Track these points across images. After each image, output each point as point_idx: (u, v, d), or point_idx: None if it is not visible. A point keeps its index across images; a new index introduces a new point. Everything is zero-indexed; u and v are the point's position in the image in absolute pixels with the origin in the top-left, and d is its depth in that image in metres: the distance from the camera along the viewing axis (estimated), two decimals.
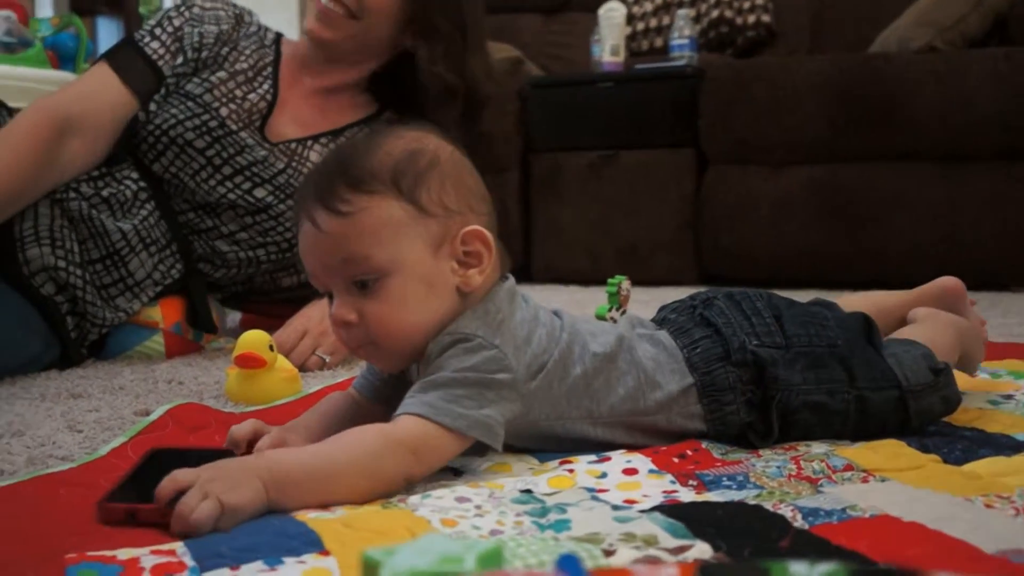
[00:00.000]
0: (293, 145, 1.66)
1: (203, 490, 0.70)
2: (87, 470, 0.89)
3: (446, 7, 1.66)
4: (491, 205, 0.90)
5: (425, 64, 1.66)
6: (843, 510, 0.72)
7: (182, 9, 1.71)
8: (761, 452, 0.90)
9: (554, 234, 3.15)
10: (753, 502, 0.76)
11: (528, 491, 0.79)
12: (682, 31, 3.23)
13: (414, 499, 0.76)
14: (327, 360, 1.50)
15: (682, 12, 3.31)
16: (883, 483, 0.80)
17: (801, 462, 0.85)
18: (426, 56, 1.66)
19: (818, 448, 0.90)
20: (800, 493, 0.78)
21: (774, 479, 0.82)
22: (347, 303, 0.86)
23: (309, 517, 0.71)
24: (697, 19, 3.52)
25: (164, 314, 1.60)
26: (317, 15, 1.63)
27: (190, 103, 1.61)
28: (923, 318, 1.12)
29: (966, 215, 2.67)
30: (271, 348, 1.26)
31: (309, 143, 1.67)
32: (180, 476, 0.71)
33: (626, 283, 1.76)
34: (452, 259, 0.86)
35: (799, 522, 0.71)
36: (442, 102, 1.65)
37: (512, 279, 0.92)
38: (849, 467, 0.84)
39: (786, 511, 0.73)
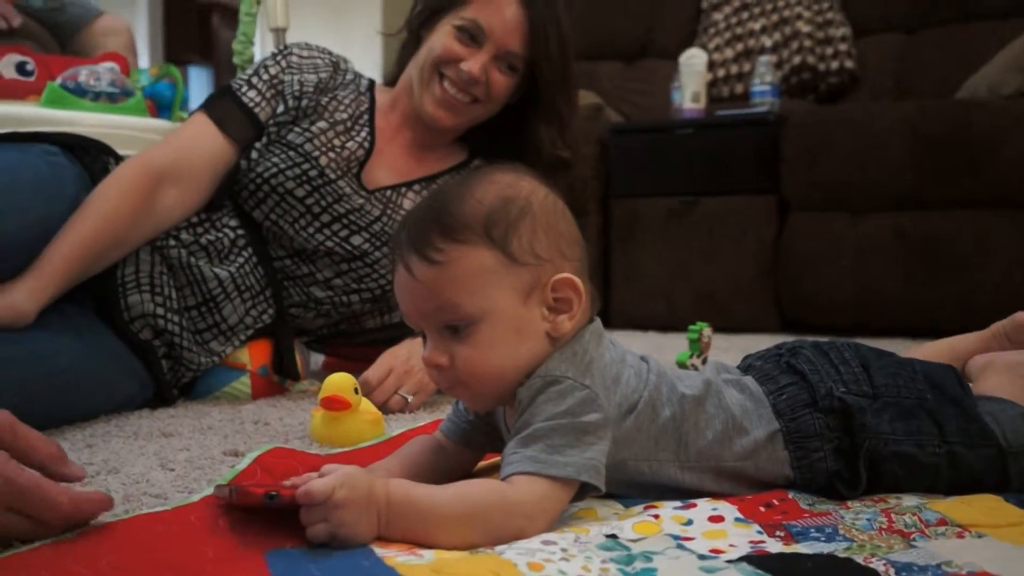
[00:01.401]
0: (388, 192, 1.70)
1: (327, 514, 0.75)
2: (180, 512, 0.91)
3: (564, 88, 1.69)
4: (583, 248, 0.91)
5: (548, 146, 1.69)
6: (938, 566, 0.71)
7: (279, 58, 1.76)
8: (850, 504, 0.88)
9: (633, 280, 3.15)
10: (843, 555, 0.74)
11: (613, 536, 0.79)
12: (763, 77, 3.23)
13: (501, 545, 0.76)
14: (410, 400, 1.51)
15: (763, 59, 3.30)
16: (979, 539, 0.78)
17: (892, 515, 0.83)
18: (548, 139, 1.70)
19: (909, 501, 0.88)
20: (892, 547, 0.76)
21: (864, 532, 0.80)
22: (439, 347, 0.87)
23: (398, 562, 0.72)
24: (779, 65, 3.51)
25: (252, 356, 1.64)
26: (438, 101, 1.66)
27: (291, 152, 1.66)
28: (988, 367, 1.10)
29: None
30: (356, 391, 1.28)
31: (403, 190, 1.71)
32: (319, 486, 0.75)
33: (707, 330, 1.75)
34: (542, 306, 0.87)
35: None
36: (553, 173, 1.67)
37: (598, 320, 0.92)
38: (943, 521, 0.82)
39: (878, 565, 0.71)
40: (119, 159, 1.64)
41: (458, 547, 0.76)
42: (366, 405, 1.31)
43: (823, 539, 0.79)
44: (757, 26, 3.64)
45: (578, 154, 1.74)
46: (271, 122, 1.72)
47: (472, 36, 1.63)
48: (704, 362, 1.78)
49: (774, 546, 0.78)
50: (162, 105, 2.34)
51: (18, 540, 0.78)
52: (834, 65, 3.50)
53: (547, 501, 0.80)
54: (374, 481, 0.77)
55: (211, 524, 0.83)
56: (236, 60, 2.32)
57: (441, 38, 1.65)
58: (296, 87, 1.73)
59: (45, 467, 0.82)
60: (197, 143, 1.66)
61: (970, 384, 1.06)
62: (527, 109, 1.72)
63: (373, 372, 1.51)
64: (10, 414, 0.83)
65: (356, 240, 1.64)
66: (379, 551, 0.75)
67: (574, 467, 0.81)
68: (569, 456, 0.81)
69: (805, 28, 3.53)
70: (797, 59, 3.52)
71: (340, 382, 1.27)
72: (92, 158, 1.59)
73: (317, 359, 2.01)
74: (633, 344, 2.61)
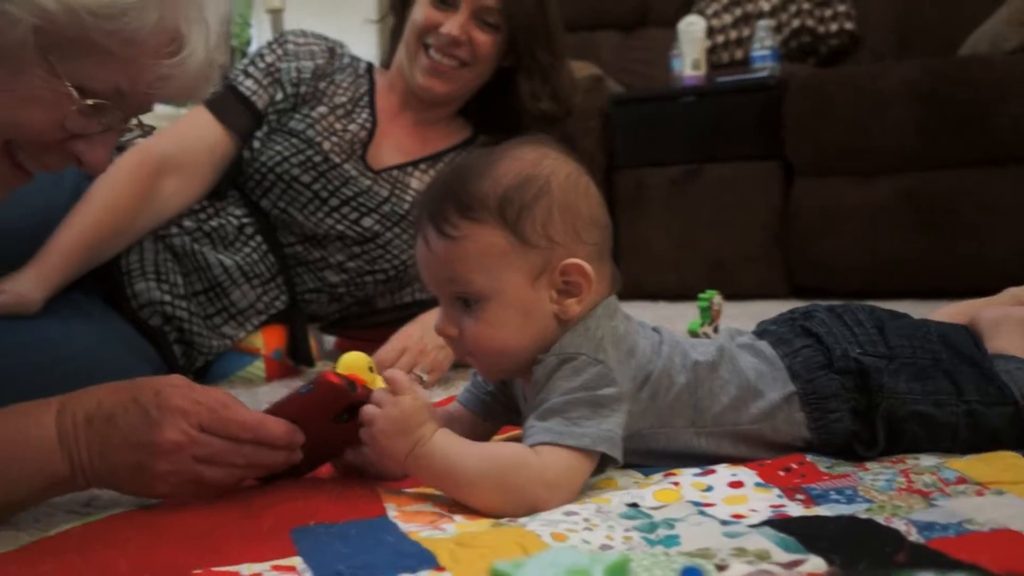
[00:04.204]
0: (395, 172, 1.70)
1: (380, 422, 0.81)
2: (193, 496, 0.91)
3: (544, 39, 1.69)
4: (604, 229, 0.90)
5: (528, 98, 1.70)
6: (959, 524, 0.71)
7: (274, 46, 1.77)
8: (868, 465, 0.89)
9: (640, 250, 3.14)
10: (864, 516, 0.75)
11: (635, 504, 0.79)
12: (763, 42, 3.21)
13: (522, 515, 0.77)
14: (425, 378, 1.51)
15: (763, 23, 3.28)
16: (999, 496, 0.78)
17: (911, 475, 0.84)
18: (528, 90, 1.70)
19: (928, 461, 0.89)
20: (912, 507, 0.76)
21: (884, 492, 0.81)
22: (451, 317, 0.89)
23: (422, 536, 0.73)
24: (778, 29, 3.49)
25: (265, 341, 1.65)
26: (427, 70, 1.67)
27: (294, 139, 1.66)
28: (1002, 323, 1.10)
29: None
30: (371, 369, 1.28)
31: (409, 169, 1.71)
32: (403, 377, 0.84)
33: (718, 298, 1.75)
34: (551, 288, 0.87)
35: (914, 536, 0.69)
36: (542, 128, 1.67)
37: (613, 295, 0.93)
38: (962, 480, 0.82)
39: (899, 525, 0.71)
40: (120, 148, 1.64)
41: (476, 505, 0.80)
42: (381, 383, 1.31)
43: (843, 501, 0.79)
44: None
45: (567, 107, 1.74)
46: (270, 110, 1.72)
47: (447, 0, 1.64)
48: (716, 330, 1.78)
49: (795, 509, 0.78)
50: None
51: (210, 466, 0.83)
52: (834, 27, 3.47)
53: (568, 471, 0.81)
54: (430, 420, 0.82)
55: (237, 505, 0.84)
56: (233, 42, 2.31)
57: (419, 9, 1.67)
58: (294, 74, 1.73)
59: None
60: (196, 133, 1.67)
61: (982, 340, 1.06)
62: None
63: (386, 352, 1.52)
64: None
65: (366, 222, 1.64)
66: (403, 525, 0.76)
67: (591, 438, 0.82)
68: (586, 427, 0.82)
69: None
70: (796, 22, 3.50)
71: (355, 361, 1.26)
72: None
73: (328, 340, 2.02)
74: (643, 314, 2.59)
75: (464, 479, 0.81)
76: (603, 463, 0.84)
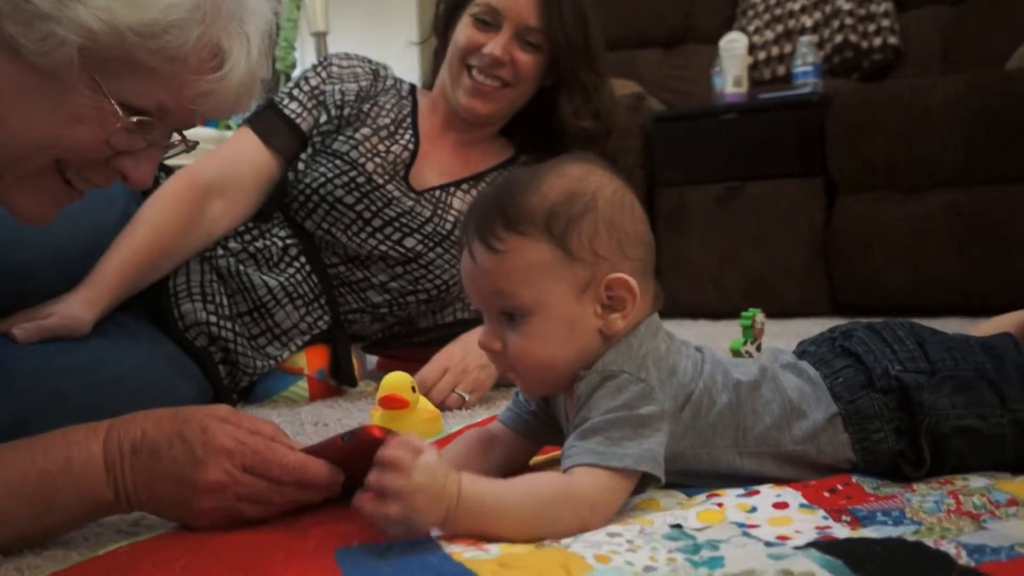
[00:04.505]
0: (437, 192, 1.72)
1: (404, 495, 0.74)
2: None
3: (586, 58, 1.70)
4: (648, 246, 0.90)
5: (570, 117, 1.71)
6: (1011, 547, 0.70)
7: (319, 69, 1.80)
8: (915, 487, 0.87)
9: (681, 268, 3.13)
10: (912, 538, 0.73)
11: (678, 526, 0.79)
12: (805, 58, 3.19)
13: (566, 537, 0.77)
14: (467, 398, 1.52)
15: (804, 39, 3.27)
16: None
17: (960, 496, 0.82)
18: (570, 109, 1.71)
19: (977, 482, 0.87)
20: (962, 529, 0.75)
21: (932, 514, 0.79)
22: (494, 332, 0.89)
23: (466, 557, 0.73)
24: (820, 45, 3.47)
25: (309, 361, 1.66)
26: (470, 91, 1.69)
27: (337, 161, 1.68)
28: None
29: None
30: (413, 389, 1.29)
31: (451, 189, 1.73)
32: (416, 441, 0.77)
33: (760, 316, 1.74)
34: (596, 303, 0.87)
35: (964, 559, 0.68)
36: (583, 147, 1.67)
37: (655, 313, 0.93)
38: (1013, 502, 0.81)
39: (949, 548, 0.70)
40: (168, 171, 1.67)
41: (524, 541, 0.77)
42: (424, 403, 1.32)
43: (890, 523, 0.78)
44: (797, 6, 3.60)
45: (610, 124, 1.75)
46: (314, 132, 1.74)
47: (489, 21, 1.67)
48: (758, 348, 1.77)
49: (841, 531, 0.77)
50: None
51: (251, 504, 0.83)
52: (877, 42, 3.44)
53: (608, 491, 0.81)
54: (450, 473, 0.77)
55: (282, 525, 0.84)
56: (279, 66, 2.35)
57: (462, 31, 1.69)
58: (337, 96, 1.75)
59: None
60: (242, 156, 1.69)
61: None
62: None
63: (429, 372, 1.53)
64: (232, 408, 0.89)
65: (409, 242, 1.66)
66: (446, 547, 0.76)
67: (633, 458, 0.81)
68: (627, 447, 0.81)
69: (846, 5, 3.48)
70: (839, 37, 3.47)
71: (397, 381, 1.28)
72: None
73: (371, 360, 2.03)
74: (685, 332, 2.58)
75: (509, 521, 0.78)
76: (643, 482, 0.84)
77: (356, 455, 0.83)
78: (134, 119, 0.82)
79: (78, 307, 1.39)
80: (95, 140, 0.82)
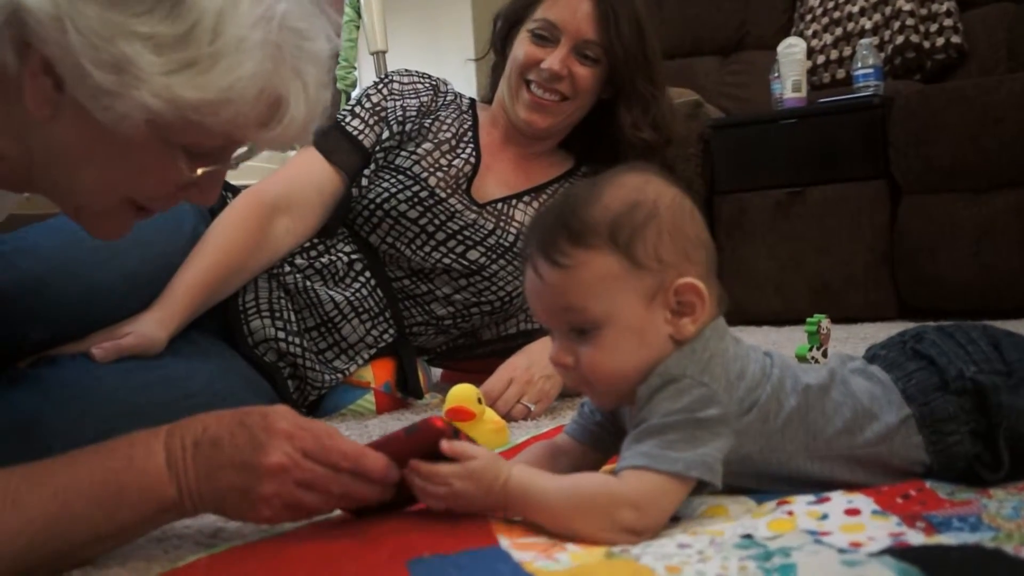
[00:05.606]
0: (499, 205, 1.73)
1: (456, 483, 0.82)
2: (319, 528, 0.93)
3: (643, 69, 1.71)
4: (710, 250, 0.91)
5: (628, 128, 1.72)
6: None
7: (380, 86, 1.83)
8: (992, 492, 0.86)
9: (743, 275, 3.11)
10: (991, 545, 0.72)
11: (748, 536, 0.78)
12: (866, 60, 3.15)
13: (637, 548, 0.77)
14: (532, 408, 1.53)
15: (864, 41, 3.22)
16: None
17: None
18: (629, 121, 1.72)
19: None
20: None
21: (1011, 520, 0.78)
22: (565, 347, 0.89)
23: (536, 567, 0.73)
24: (881, 46, 3.41)
25: (375, 374, 1.69)
26: (529, 105, 1.71)
27: (400, 176, 1.70)
28: None
29: None
30: (479, 401, 1.30)
31: (513, 201, 1.74)
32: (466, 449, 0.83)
33: (826, 321, 1.72)
34: (666, 309, 0.87)
35: None
36: (642, 157, 1.68)
37: (721, 317, 0.92)
38: None
39: None
40: (235, 191, 1.70)
41: (571, 533, 0.80)
42: (490, 414, 1.33)
43: (967, 529, 0.77)
44: (855, 8, 3.55)
45: (669, 134, 1.75)
46: (377, 148, 1.77)
47: (547, 35, 1.68)
48: (824, 354, 1.75)
49: (915, 538, 0.76)
50: None
51: (309, 491, 0.85)
52: (939, 41, 3.38)
53: (656, 494, 0.81)
54: (499, 474, 0.83)
55: (354, 535, 0.85)
56: (339, 85, 2.38)
57: (520, 46, 1.71)
58: (399, 112, 1.78)
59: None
60: (306, 173, 1.72)
61: None
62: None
63: (494, 383, 1.54)
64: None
65: (472, 255, 1.67)
66: (516, 555, 0.77)
67: (684, 463, 0.81)
68: (681, 452, 0.81)
69: (906, 6, 3.42)
70: (900, 38, 3.42)
71: (464, 393, 1.29)
72: None
73: (436, 372, 2.05)
74: (748, 340, 2.55)
75: (546, 517, 0.82)
76: (701, 484, 0.83)
77: (418, 447, 0.85)
78: (200, 172, 0.88)
79: (152, 327, 1.43)
80: (163, 185, 0.89)
